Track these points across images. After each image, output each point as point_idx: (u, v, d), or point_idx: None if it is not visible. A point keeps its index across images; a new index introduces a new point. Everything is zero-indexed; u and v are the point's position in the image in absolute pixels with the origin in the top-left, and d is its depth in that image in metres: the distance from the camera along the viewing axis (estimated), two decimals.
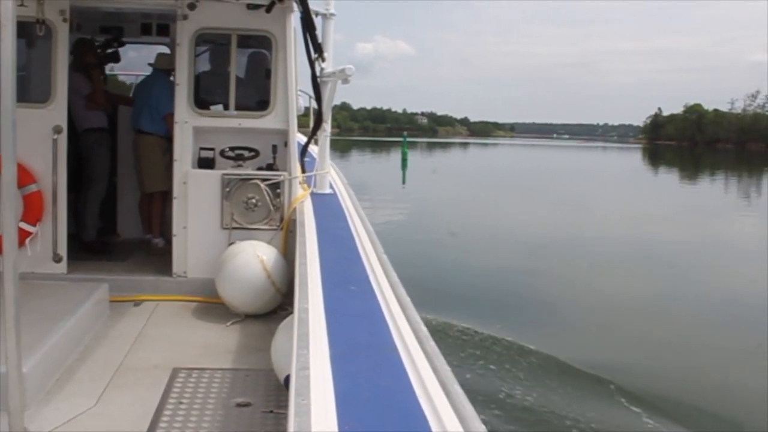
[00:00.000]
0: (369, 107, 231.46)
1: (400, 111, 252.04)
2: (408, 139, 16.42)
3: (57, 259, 5.25)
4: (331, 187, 6.38)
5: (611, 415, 6.50)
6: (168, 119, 5.85)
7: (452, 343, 7.84)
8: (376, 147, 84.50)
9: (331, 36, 5.98)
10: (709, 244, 17.69)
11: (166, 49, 6.72)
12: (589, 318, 10.13)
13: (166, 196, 6.00)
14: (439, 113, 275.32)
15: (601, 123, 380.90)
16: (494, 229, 18.58)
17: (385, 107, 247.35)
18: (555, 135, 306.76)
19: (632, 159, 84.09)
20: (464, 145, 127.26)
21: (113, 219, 6.78)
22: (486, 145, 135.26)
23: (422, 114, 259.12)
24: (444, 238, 16.95)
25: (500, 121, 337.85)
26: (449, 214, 21.42)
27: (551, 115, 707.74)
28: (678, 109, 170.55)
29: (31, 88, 5.32)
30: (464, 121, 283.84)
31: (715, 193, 35.87)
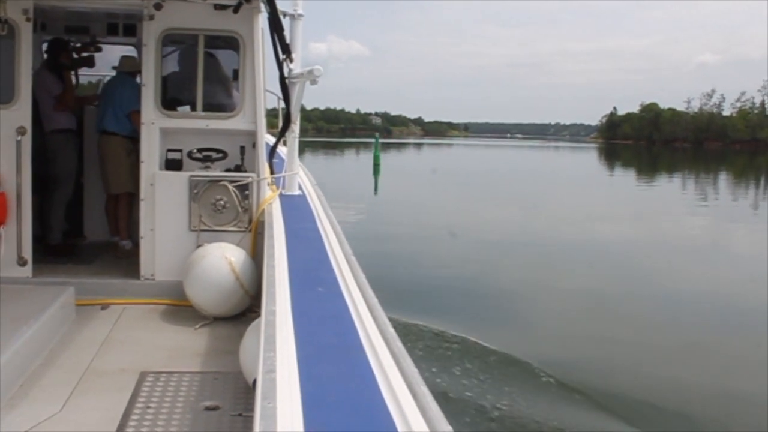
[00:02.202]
0: (322, 108, 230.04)
1: (353, 111, 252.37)
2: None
3: (22, 262, 5.17)
4: (300, 188, 6.38)
5: (570, 415, 6.54)
6: (133, 117, 5.81)
7: (415, 342, 7.87)
8: (335, 148, 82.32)
9: (299, 37, 5.95)
10: (666, 244, 17.90)
11: (129, 51, 6.66)
12: (549, 317, 10.20)
13: (133, 198, 5.95)
14: (393, 113, 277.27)
15: (553, 122, 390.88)
16: (464, 230, 18.63)
17: (339, 107, 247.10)
18: (509, 135, 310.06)
19: (590, 158, 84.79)
20: (419, 145, 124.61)
21: (79, 221, 6.69)
22: (441, 145, 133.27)
23: (376, 114, 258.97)
24: (412, 239, 16.95)
25: (454, 120, 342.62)
26: (415, 217, 21.32)
27: (504, 115, 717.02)
28: (629, 109, 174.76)
29: None
30: (418, 121, 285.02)
31: (672, 192, 36.53)
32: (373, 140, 41.15)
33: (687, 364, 8.44)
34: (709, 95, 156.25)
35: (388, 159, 55.49)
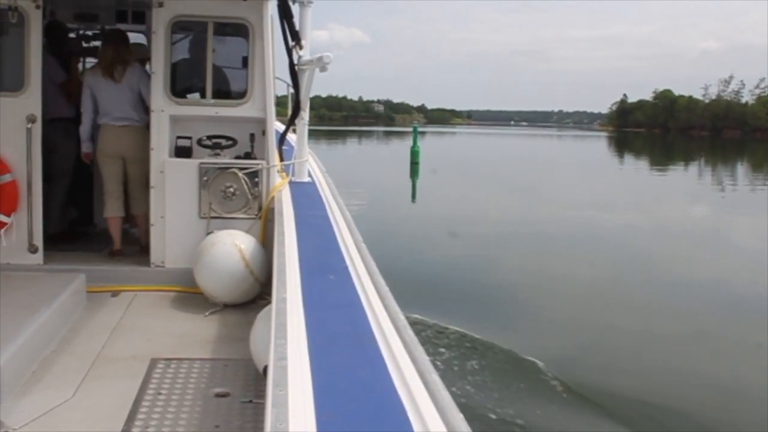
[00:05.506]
0: (324, 95, 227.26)
1: (356, 99, 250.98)
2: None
3: (33, 249, 5.19)
4: (310, 175, 6.38)
5: (574, 414, 6.41)
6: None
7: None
8: (340, 137, 79.80)
9: (308, 24, 5.90)
10: (682, 235, 17.67)
11: (138, 39, 6.65)
12: (552, 313, 9.95)
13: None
14: (396, 101, 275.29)
15: (556, 110, 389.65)
16: (472, 221, 18.39)
17: (341, 95, 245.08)
18: (513, 122, 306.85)
19: (602, 146, 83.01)
20: (422, 133, 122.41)
21: (89, 209, 6.71)
22: (445, 133, 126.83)
23: (378, 102, 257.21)
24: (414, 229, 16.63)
25: (457, 108, 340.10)
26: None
27: (506, 102, 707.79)
28: (636, 96, 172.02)
29: (4, 77, 5.19)
30: (421, 109, 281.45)
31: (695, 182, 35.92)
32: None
33: (696, 358, 8.24)
34: (727, 81, 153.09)
35: (401, 149, 48.51)
